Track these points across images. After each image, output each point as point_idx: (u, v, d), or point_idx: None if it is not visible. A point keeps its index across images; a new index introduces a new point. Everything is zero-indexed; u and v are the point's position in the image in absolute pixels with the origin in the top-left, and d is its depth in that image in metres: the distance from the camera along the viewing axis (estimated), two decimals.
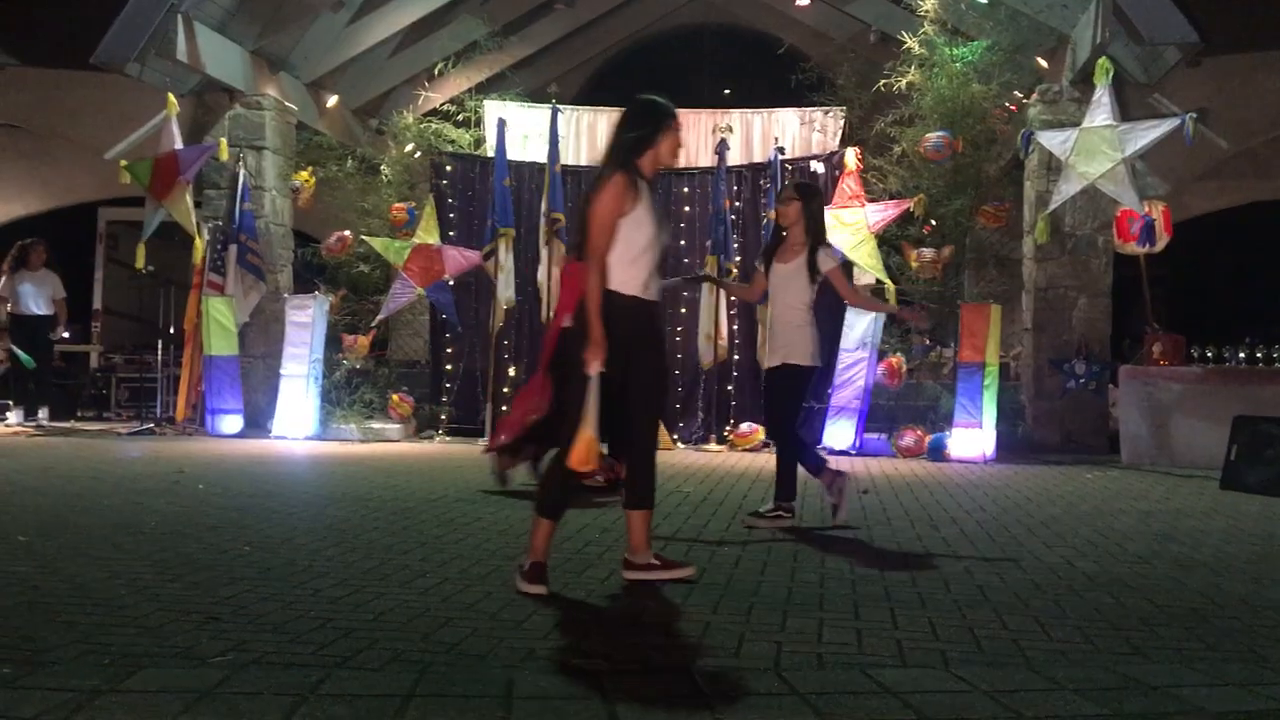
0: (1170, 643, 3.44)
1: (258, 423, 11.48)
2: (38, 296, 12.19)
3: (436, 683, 2.84)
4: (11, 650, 2.97)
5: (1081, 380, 10.62)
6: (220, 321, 11.24)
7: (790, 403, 5.84)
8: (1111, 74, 9.50)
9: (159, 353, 12.42)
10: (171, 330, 12.31)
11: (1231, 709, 2.74)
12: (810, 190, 6.09)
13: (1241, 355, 10.23)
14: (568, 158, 12.20)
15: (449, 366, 12.15)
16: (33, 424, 11.97)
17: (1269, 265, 9.79)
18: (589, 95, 15.33)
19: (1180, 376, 10.03)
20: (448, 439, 11.57)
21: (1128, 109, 9.81)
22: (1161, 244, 10.45)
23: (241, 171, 11.70)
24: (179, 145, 11.19)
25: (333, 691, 2.73)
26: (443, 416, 11.86)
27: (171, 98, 11.20)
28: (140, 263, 11.42)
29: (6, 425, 11.97)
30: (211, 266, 11.54)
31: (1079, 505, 6.95)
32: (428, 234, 11.46)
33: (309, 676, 2.83)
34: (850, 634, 3.46)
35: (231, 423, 11.31)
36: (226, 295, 11.41)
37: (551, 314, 10.62)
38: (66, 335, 13.40)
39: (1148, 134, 9.27)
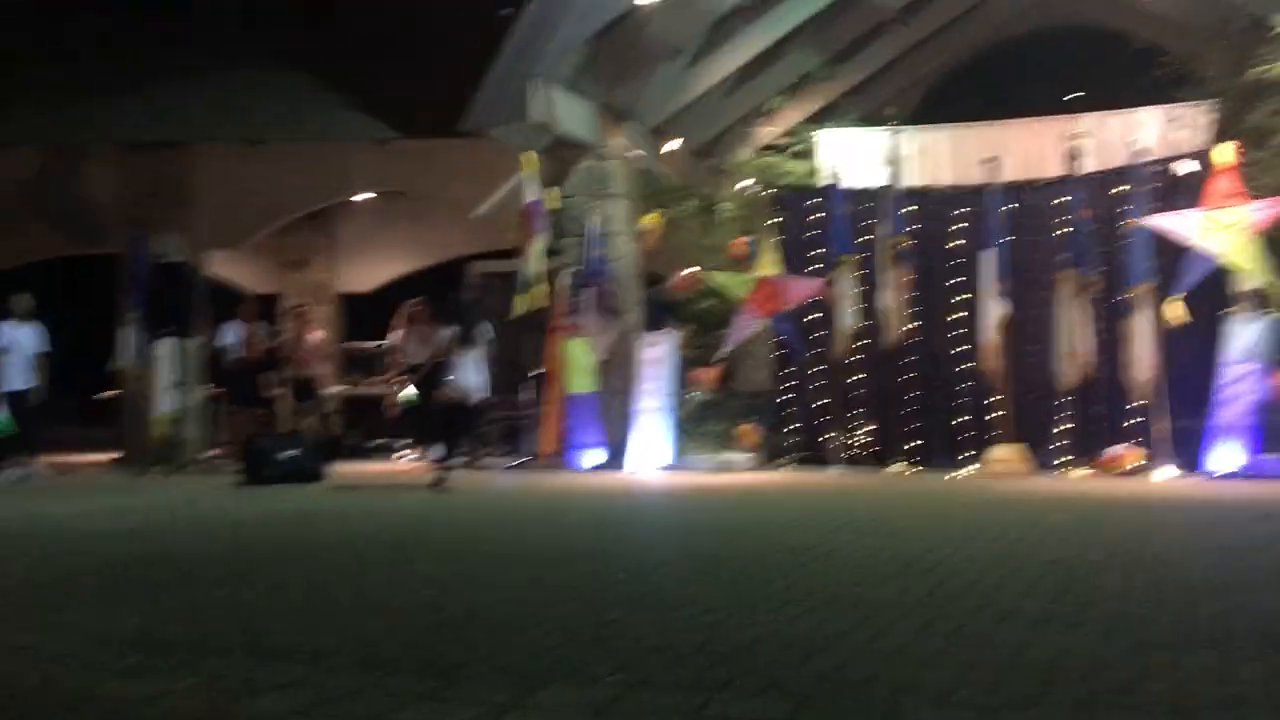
0: None
1: (616, 456, 12.03)
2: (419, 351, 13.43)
3: (816, 713, 2.83)
4: (429, 666, 3.26)
5: None
6: (580, 360, 11.92)
7: None
8: None
9: (526, 392, 13.30)
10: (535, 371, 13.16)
11: None
12: None
13: None
14: (908, 179, 11.97)
15: (792, 395, 12.21)
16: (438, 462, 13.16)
17: None
18: (924, 112, 14.94)
19: None
20: (798, 467, 11.62)
21: None
22: None
23: (594, 219, 12.37)
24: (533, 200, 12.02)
25: (717, 714, 2.78)
26: (790, 445, 11.93)
27: (533, 156, 11.96)
28: (520, 310, 12.16)
29: (409, 461, 13.20)
30: (570, 309, 12.26)
31: None
32: (769, 266, 11.62)
33: (693, 699, 2.90)
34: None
35: (593, 457, 11.93)
36: (584, 336, 12.08)
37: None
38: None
39: None
